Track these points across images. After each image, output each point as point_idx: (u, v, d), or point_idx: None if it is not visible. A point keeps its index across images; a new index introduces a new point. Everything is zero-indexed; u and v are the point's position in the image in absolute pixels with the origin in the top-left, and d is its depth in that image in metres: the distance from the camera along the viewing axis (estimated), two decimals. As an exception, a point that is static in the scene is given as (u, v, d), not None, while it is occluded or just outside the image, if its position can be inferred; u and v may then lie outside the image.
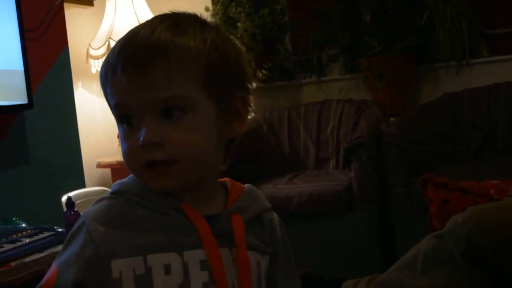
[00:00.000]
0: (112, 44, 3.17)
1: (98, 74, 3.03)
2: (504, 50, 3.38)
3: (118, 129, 0.84)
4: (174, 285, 0.81)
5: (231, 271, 0.84)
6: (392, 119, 3.09)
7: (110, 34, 3.24)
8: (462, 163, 2.81)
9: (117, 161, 3.21)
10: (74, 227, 0.84)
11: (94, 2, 3.50)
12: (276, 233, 0.93)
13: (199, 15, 0.87)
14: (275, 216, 0.94)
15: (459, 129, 2.92)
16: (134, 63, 0.79)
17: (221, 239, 0.84)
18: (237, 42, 3.47)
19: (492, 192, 1.72)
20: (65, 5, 2.99)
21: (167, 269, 0.80)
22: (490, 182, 1.82)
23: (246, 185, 0.92)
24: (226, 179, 0.92)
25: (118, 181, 0.88)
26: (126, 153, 0.82)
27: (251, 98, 0.88)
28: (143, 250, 0.80)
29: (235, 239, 0.85)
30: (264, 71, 3.59)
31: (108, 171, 3.36)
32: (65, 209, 2.21)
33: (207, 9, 3.65)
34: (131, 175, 0.87)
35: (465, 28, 3.29)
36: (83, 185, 2.91)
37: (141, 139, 0.79)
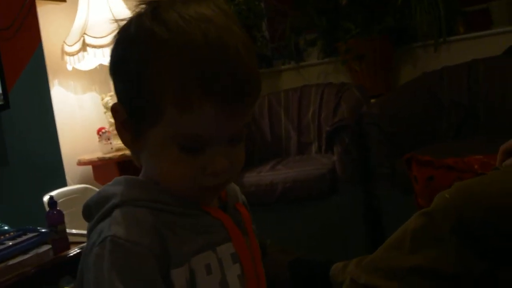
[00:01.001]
0: (88, 40, 3.12)
1: (75, 70, 2.93)
2: (480, 26, 3.39)
3: (164, 149, 0.77)
4: (215, 285, 0.79)
5: None
6: (372, 100, 3.08)
7: (85, 30, 3.19)
8: (445, 141, 2.82)
9: (98, 158, 3.18)
10: (118, 251, 0.73)
11: (67, -2, 3.45)
12: (250, 212, 0.94)
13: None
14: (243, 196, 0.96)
15: (439, 107, 2.92)
16: (230, 97, 0.73)
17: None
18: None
19: (476, 167, 1.72)
20: (37, 2, 2.95)
21: (208, 269, 0.78)
22: (473, 157, 1.82)
23: None
24: None
25: (111, 191, 0.80)
26: (185, 177, 0.77)
27: None
28: (188, 255, 0.77)
29: (246, 228, 0.86)
30: (242, 60, 3.56)
31: (89, 168, 3.32)
32: (47, 209, 2.18)
33: (181, -1, 3.61)
34: (120, 181, 0.82)
35: (441, 6, 3.30)
36: (64, 184, 2.88)
37: (214, 167, 0.77)
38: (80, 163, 3.28)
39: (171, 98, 0.73)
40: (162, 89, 0.73)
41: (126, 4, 3.28)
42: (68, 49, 3.24)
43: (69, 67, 3.28)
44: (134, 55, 0.76)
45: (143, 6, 0.78)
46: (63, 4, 3.43)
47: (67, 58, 3.26)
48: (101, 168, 3.18)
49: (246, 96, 0.75)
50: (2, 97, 2.48)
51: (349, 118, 2.83)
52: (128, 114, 0.79)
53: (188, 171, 0.77)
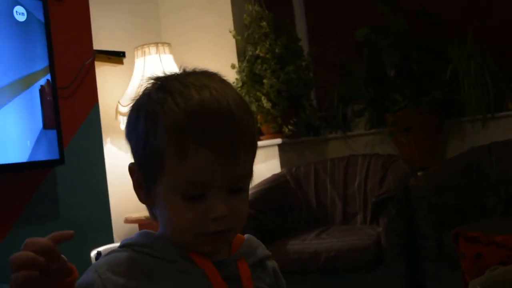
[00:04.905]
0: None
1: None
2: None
3: (170, 198, 0.84)
4: None
5: None
6: (419, 173, 3.08)
7: (139, 91, 3.30)
8: (493, 217, 2.78)
9: (145, 217, 3.23)
10: (84, 278, 0.84)
11: (124, 60, 3.59)
12: (281, 280, 0.98)
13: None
14: (275, 264, 0.99)
15: (487, 183, 2.90)
16: (223, 144, 0.82)
17: (229, 284, 0.86)
18: (263, 98, 3.52)
19: (525, 246, 1.70)
20: (96, 63, 3.07)
21: None
22: (522, 236, 1.80)
23: (246, 235, 0.97)
24: None
25: (124, 238, 0.91)
26: (189, 223, 0.84)
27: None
28: None
29: (242, 284, 0.88)
30: (290, 127, 3.62)
31: (135, 226, 3.37)
32: (95, 264, 2.21)
33: (233, 66, 3.71)
34: (136, 234, 0.90)
35: (490, 81, 3.31)
36: (112, 240, 2.92)
37: (215, 213, 0.82)
38: (127, 220, 3.34)
39: (171, 149, 0.81)
40: (163, 143, 0.82)
41: (180, 68, 3.38)
42: (122, 109, 3.35)
43: (122, 127, 3.38)
44: (143, 118, 0.86)
45: (152, 81, 0.90)
46: (120, 66, 3.58)
47: (120, 117, 3.37)
48: (146, 227, 3.19)
49: (235, 145, 0.82)
50: (58, 152, 2.57)
51: (395, 190, 2.83)
52: (140, 171, 0.88)
53: (191, 217, 0.83)
